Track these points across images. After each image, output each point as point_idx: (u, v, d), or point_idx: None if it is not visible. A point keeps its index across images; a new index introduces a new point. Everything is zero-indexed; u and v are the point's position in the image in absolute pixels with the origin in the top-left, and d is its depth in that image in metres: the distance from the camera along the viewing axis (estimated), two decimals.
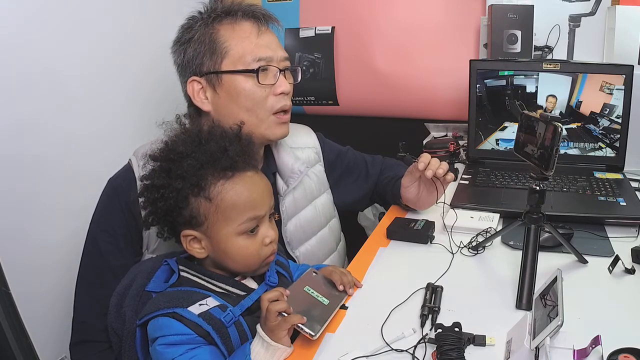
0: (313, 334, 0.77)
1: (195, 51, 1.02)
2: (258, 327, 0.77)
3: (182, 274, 0.86)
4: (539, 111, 1.43)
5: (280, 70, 1.04)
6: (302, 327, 0.77)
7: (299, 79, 1.13)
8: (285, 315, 0.76)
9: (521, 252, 0.91)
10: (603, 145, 1.43)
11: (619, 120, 1.40)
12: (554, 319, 0.68)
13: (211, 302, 0.80)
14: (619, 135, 1.40)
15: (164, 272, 0.90)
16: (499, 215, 1.18)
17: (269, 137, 1.06)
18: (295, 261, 1.15)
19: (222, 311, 0.79)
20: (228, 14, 1.03)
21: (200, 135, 0.85)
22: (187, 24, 1.05)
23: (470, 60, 1.49)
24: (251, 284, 0.87)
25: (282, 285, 0.89)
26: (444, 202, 1.20)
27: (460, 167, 1.54)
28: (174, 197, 0.81)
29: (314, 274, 0.93)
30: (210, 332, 0.77)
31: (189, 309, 0.78)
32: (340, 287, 0.91)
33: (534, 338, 0.69)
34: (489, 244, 1.07)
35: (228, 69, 1.01)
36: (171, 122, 0.88)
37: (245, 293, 0.85)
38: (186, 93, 1.05)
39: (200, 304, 0.79)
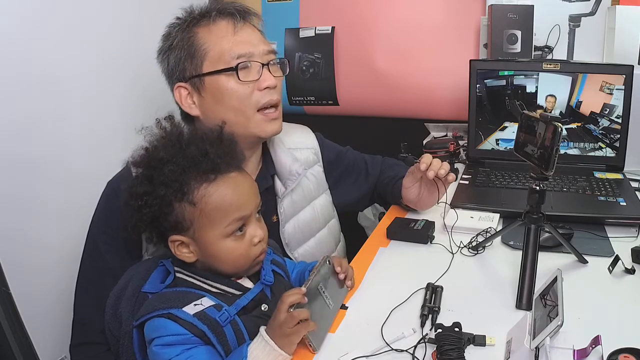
0: (317, 349, 0.78)
1: (177, 57, 1.02)
2: (262, 330, 0.77)
3: (178, 275, 0.86)
4: (539, 111, 1.44)
5: (264, 65, 1.02)
6: (310, 337, 0.78)
7: (287, 71, 1.11)
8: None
9: (521, 252, 0.91)
10: (603, 145, 1.43)
11: (619, 120, 1.40)
12: (554, 319, 0.68)
13: (206, 302, 0.80)
14: (619, 135, 1.40)
15: (160, 273, 0.90)
16: (499, 215, 1.18)
17: (259, 135, 1.05)
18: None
19: (217, 311, 0.79)
20: (203, 16, 1.03)
21: (180, 140, 0.84)
22: (167, 32, 1.05)
23: (470, 60, 1.49)
24: (247, 283, 0.87)
25: (278, 285, 0.90)
26: (445, 202, 1.20)
27: (460, 167, 1.54)
28: (158, 204, 0.81)
29: (328, 263, 0.91)
30: (205, 332, 0.76)
31: (183, 309, 0.78)
32: (341, 276, 0.91)
33: (534, 338, 0.69)
34: (489, 244, 1.07)
35: (209, 70, 1.00)
36: (151, 127, 0.87)
37: (240, 292, 0.85)
38: (175, 100, 1.05)
39: (195, 304, 0.79)
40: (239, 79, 1.00)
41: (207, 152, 0.82)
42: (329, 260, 0.91)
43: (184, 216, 0.81)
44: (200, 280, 0.84)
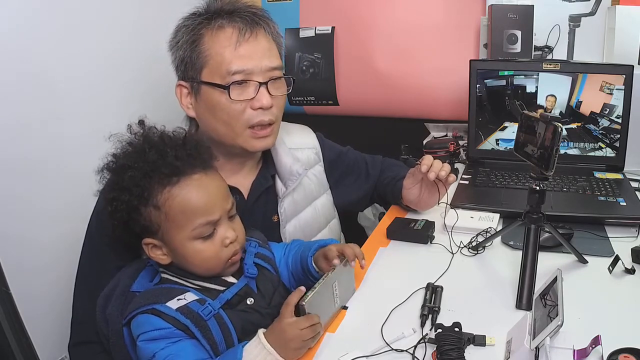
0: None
1: (181, 56, 1.01)
2: (261, 333, 0.77)
3: (163, 275, 0.87)
4: (539, 111, 1.44)
5: (262, 83, 0.99)
6: None
7: (290, 89, 1.07)
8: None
9: (521, 252, 0.91)
10: (603, 145, 1.43)
11: (619, 120, 1.40)
12: (554, 319, 0.68)
13: (190, 297, 0.81)
14: (619, 135, 1.40)
15: (149, 272, 0.91)
16: (499, 215, 1.18)
17: (247, 149, 1.03)
18: None
19: (201, 305, 0.80)
20: (212, 19, 1.00)
21: (144, 145, 0.84)
22: (177, 27, 1.03)
23: (470, 60, 1.49)
24: (230, 279, 0.87)
25: (263, 278, 0.90)
26: (446, 203, 1.20)
27: (460, 167, 1.54)
28: (125, 209, 0.82)
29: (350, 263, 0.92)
30: (188, 326, 0.77)
31: (167, 304, 0.79)
32: (353, 264, 0.92)
33: (534, 338, 0.69)
34: (489, 244, 1.07)
35: (206, 79, 0.99)
36: (120, 134, 0.86)
37: (224, 288, 0.85)
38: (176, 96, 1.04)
39: (179, 299, 0.79)
40: (231, 97, 0.97)
41: (166, 154, 0.82)
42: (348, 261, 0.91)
43: (150, 220, 0.82)
44: (184, 280, 0.85)
